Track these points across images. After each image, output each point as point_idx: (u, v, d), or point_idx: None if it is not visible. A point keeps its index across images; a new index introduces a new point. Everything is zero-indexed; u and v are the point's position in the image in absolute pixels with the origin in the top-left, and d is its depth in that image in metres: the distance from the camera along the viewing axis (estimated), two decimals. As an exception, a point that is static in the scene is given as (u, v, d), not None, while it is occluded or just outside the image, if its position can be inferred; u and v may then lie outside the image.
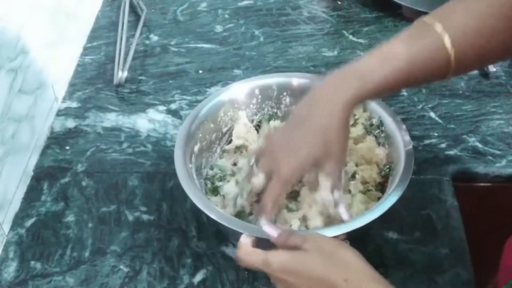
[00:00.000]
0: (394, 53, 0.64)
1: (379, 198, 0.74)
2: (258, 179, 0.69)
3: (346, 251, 0.56)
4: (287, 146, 0.66)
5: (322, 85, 0.66)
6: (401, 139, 0.74)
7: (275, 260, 0.57)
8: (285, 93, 0.85)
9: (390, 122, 0.77)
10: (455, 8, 0.65)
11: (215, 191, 0.78)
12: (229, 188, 0.76)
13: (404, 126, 0.75)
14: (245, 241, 0.62)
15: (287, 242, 0.59)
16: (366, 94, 0.64)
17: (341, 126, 0.64)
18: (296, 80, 0.85)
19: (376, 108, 0.79)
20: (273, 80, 0.85)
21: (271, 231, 0.61)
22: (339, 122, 0.64)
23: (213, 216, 0.67)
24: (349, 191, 0.74)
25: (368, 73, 0.64)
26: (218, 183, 0.79)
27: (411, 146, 0.73)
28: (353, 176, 0.76)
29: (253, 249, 0.61)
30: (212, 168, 0.81)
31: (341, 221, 0.68)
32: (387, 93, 0.67)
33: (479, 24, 0.63)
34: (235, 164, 0.81)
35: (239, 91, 0.84)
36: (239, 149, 0.82)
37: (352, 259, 0.56)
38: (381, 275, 0.55)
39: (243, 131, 0.83)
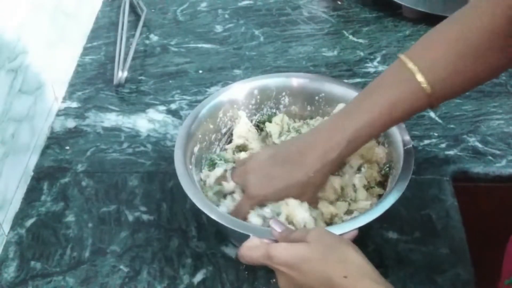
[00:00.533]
0: (374, 103, 0.67)
1: (380, 195, 0.74)
2: (229, 186, 0.75)
3: (348, 247, 0.57)
4: (267, 174, 0.71)
5: (314, 137, 0.70)
6: (401, 138, 0.74)
7: (276, 252, 0.57)
8: (284, 93, 0.85)
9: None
10: (430, 47, 0.66)
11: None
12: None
13: (403, 125, 0.75)
14: (254, 239, 0.63)
15: (289, 237, 0.60)
16: (353, 149, 0.70)
17: (323, 180, 0.71)
18: (295, 80, 0.85)
19: None
20: (272, 80, 0.85)
21: (275, 226, 0.62)
22: (321, 177, 0.70)
23: (213, 216, 0.67)
24: (354, 186, 0.74)
25: (353, 128, 0.67)
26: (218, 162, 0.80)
27: (411, 145, 0.73)
28: (358, 169, 0.77)
29: (255, 244, 0.61)
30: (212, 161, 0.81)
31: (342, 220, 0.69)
32: (373, 138, 0.73)
33: (454, 62, 0.64)
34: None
35: (239, 91, 0.84)
36: (239, 148, 0.82)
37: (353, 256, 0.56)
38: (380, 274, 0.55)
39: (243, 130, 0.83)
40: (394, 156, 0.74)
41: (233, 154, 0.82)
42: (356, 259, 0.55)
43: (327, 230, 0.60)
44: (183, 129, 0.77)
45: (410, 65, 0.65)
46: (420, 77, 0.64)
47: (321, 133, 0.70)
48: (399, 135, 0.75)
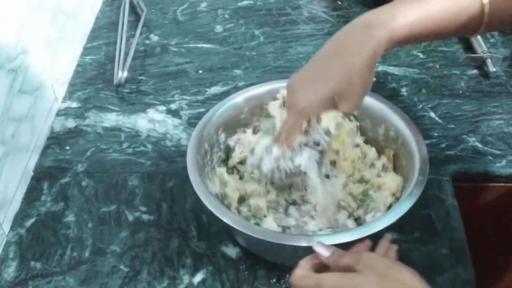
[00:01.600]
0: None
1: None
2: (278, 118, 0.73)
3: (401, 270, 0.55)
4: (308, 80, 0.67)
5: (354, 24, 0.66)
6: (416, 146, 0.74)
7: (328, 283, 0.56)
8: None
9: (404, 128, 0.77)
10: None
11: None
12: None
13: (421, 137, 0.75)
14: (304, 264, 0.60)
15: (339, 262, 0.58)
16: (397, 38, 0.64)
17: (367, 68, 0.64)
18: None
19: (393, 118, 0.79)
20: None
21: (322, 251, 0.60)
22: (365, 64, 0.64)
23: (226, 220, 0.67)
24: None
25: (401, 17, 0.64)
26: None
27: (426, 154, 0.73)
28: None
29: (308, 272, 0.59)
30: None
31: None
32: (417, 40, 0.67)
33: None
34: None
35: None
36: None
37: (408, 278, 0.54)
38: None
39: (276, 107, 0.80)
40: (410, 164, 0.74)
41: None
42: (412, 282, 0.54)
43: (378, 256, 0.58)
44: (196, 134, 0.77)
45: None
46: None
47: (365, 19, 0.66)
48: (415, 144, 0.75)
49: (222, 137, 0.80)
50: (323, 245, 0.61)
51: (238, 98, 0.82)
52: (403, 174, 0.76)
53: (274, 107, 0.77)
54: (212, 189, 0.74)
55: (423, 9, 0.64)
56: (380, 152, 0.80)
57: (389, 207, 0.74)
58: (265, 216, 0.73)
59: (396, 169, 0.79)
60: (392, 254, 0.62)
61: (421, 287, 0.53)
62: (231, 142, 0.80)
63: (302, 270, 0.59)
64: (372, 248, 0.62)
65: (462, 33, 0.68)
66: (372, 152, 0.80)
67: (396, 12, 0.64)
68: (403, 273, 0.54)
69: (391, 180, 0.76)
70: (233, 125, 0.81)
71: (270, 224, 0.72)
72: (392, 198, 0.75)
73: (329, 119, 0.74)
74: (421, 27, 0.64)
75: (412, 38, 0.66)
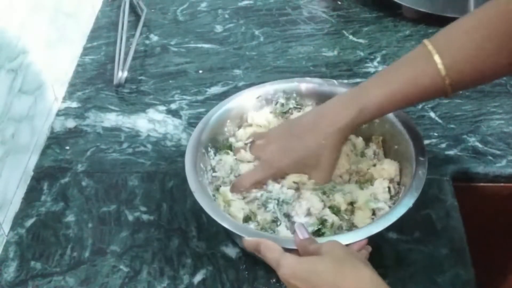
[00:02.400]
0: (390, 79, 0.70)
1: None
2: (245, 156, 0.78)
3: (358, 260, 0.56)
4: (284, 146, 0.75)
5: (327, 107, 0.74)
6: (413, 148, 0.75)
7: (285, 263, 0.57)
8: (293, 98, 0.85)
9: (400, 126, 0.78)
10: (451, 33, 0.68)
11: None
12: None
13: (421, 135, 0.76)
14: (252, 238, 0.63)
15: (308, 247, 0.60)
16: (364, 119, 0.72)
17: (335, 147, 0.73)
18: (304, 85, 0.85)
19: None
20: (280, 86, 0.85)
21: (300, 233, 0.62)
22: (333, 144, 0.73)
23: (225, 225, 0.67)
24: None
25: (370, 97, 0.70)
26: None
27: (425, 157, 0.73)
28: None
29: (274, 245, 0.60)
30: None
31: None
32: (388, 112, 0.75)
33: (474, 48, 0.66)
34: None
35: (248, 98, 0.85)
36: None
37: (363, 267, 0.55)
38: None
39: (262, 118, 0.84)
40: (407, 167, 0.75)
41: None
42: (367, 271, 0.55)
43: (340, 243, 0.59)
44: (193, 137, 0.78)
45: (430, 47, 0.67)
46: (437, 58, 0.66)
47: (334, 103, 0.74)
48: (412, 146, 0.75)
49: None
50: (303, 228, 0.63)
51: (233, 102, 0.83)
52: (397, 158, 0.78)
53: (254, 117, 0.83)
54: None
55: (386, 90, 0.69)
56: (367, 140, 0.81)
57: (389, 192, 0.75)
58: (278, 225, 0.72)
59: (387, 154, 0.80)
60: (365, 253, 0.64)
61: (374, 276, 0.55)
62: (213, 161, 0.79)
63: (270, 242, 0.61)
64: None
65: (429, 100, 0.76)
66: (359, 141, 0.81)
67: (364, 94, 0.71)
68: (359, 263, 0.56)
69: (389, 166, 0.77)
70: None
71: (285, 232, 0.71)
72: (391, 183, 0.76)
73: None
74: (389, 104, 0.70)
75: (382, 114, 0.73)
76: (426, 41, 0.68)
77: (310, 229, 0.70)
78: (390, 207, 0.73)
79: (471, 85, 0.75)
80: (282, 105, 0.84)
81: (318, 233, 0.70)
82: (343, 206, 0.73)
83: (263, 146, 0.77)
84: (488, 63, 0.66)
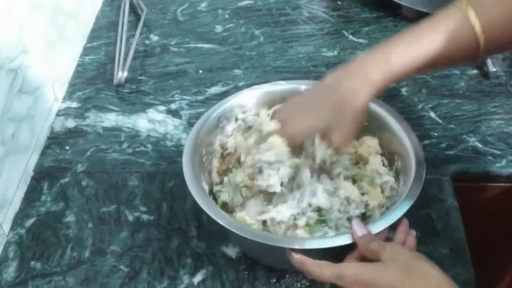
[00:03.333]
0: (423, 35, 0.66)
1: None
2: (269, 125, 0.74)
3: (424, 262, 0.56)
4: (301, 108, 0.71)
5: (354, 64, 0.69)
6: (412, 149, 0.74)
7: (350, 272, 0.57)
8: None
9: (396, 125, 0.78)
10: None
11: None
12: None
13: (416, 140, 0.76)
14: (299, 255, 0.62)
15: (368, 245, 0.59)
16: (393, 77, 0.67)
17: (361, 109, 0.68)
18: (304, 88, 0.85)
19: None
20: (280, 87, 0.84)
21: (357, 228, 0.62)
22: (359, 105, 0.67)
23: (221, 222, 0.67)
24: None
25: (397, 58, 0.66)
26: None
27: (422, 157, 0.73)
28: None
29: (321, 261, 0.60)
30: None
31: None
32: (414, 74, 0.70)
33: (509, 7, 0.64)
34: None
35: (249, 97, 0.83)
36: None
37: (431, 271, 0.55)
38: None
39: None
40: (406, 164, 0.75)
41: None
42: (435, 275, 0.54)
43: (402, 247, 0.59)
44: (191, 138, 0.77)
45: (463, 4, 0.65)
46: (472, 15, 0.64)
47: (363, 59, 0.69)
48: (411, 147, 0.75)
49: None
50: (360, 223, 0.62)
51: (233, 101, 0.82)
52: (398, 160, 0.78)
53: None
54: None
55: (418, 48, 0.66)
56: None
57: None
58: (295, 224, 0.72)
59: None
60: (412, 240, 0.64)
61: (443, 278, 0.54)
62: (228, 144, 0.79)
63: (314, 261, 0.60)
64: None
65: (460, 63, 0.71)
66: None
67: (391, 54, 0.67)
68: (426, 265, 0.55)
69: (371, 141, 0.78)
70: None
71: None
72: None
73: None
74: (416, 65, 0.67)
75: (408, 75, 0.68)
76: (460, 3, 0.65)
77: (357, 212, 0.71)
78: (393, 177, 0.75)
79: (501, 48, 0.71)
80: (243, 120, 0.82)
81: (364, 215, 0.72)
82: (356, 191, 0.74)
83: (285, 110, 0.73)
84: None
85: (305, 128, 0.70)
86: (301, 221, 0.70)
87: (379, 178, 0.76)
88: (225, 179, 0.77)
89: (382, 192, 0.75)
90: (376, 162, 0.77)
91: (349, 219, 0.72)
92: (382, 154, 0.79)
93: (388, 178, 0.76)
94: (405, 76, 0.68)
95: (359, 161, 0.78)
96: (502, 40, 0.66)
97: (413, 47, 0.66)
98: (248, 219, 0.71)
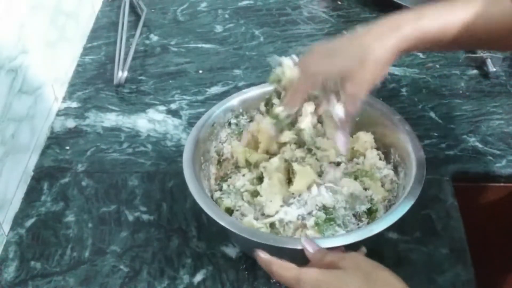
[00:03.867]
0: (457, 5, 0.66)
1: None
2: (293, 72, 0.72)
3: (388, 272, 0.55)
4: (326, 50, 0.68)
5: (385, 18, 0.67)
6: (412, 150, 0.75)
7: (308, 277, 0.55)
8: None
9: (389, 117, 0.79)
10: None
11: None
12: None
13: (418, 142, 0.76)
14: (266, 255, 0.61)
15: (323, 259, 0.59)
16: (422, 38, 0.65)
17: (385, 57, 0.65)
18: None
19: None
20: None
21: (308, 246, 0.61)
22: (384, 52, 0.65)
23: (223, 223, 0.67)
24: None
25: (429, 18, 0.65)
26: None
27: (423, 156, 0.73)
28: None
29: (288, 264, 0.59)
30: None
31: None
32: (443, 43, 0.67)
33: None
34: None
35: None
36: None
37: (390, 280, 0.55)
38: None
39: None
40: (407, 164, 0.75)
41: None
42: (394, 283, 0.54)
43: (363, 257, 0.59)
44: (192, 136, 0.77)
45: None
46: None
47: (395, 15, 0.67)
48: (411, 148, 0.75)
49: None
50: (310, 241, 0.61)
51: (234, 100, 0.82)
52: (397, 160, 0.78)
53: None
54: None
55: (450, 16, 0.65)
56: None
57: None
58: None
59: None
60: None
61: (402, 286, 0.54)
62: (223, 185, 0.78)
63: (282, 262, 0.59)
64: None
65: (494, 44, 0.69)
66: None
67: (423, 15, 0.65)
68: (389, 275, 0.55)
69: (367, 137, 0.79)
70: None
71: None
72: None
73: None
74: (445, 32, 0.65)
75: (436, 43, 0.66)
76: None
77: (363, 208, 0.72)
78: (392, 170, 0.76)
79: None
80: (236, 124, 0.82)
81: (370, 210, 0.73)
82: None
83: (306, 57, 0.70)
84: None
85: (328, 68, 0.68)
86: (310, 221, 0.70)
87: (379, 172, 0.76)
88: (224, 185, 0.77)
89: (383, 186, 0.76)
90: (373, 156, 0.78)
91: (355, 216, 0.73)
92: (377, 148, 0.80)
93: (387, 171, 0.77)
94: (433, 43, 0.67)
95: (355, 157, 0.79)
96: None
97: (445, 13, 0.65)
98: (255, 223, 0.71)
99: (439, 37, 0.65)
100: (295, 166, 0.74)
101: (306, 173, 0.74)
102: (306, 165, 0.75)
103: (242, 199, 0.75)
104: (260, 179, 0.75)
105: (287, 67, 0.73)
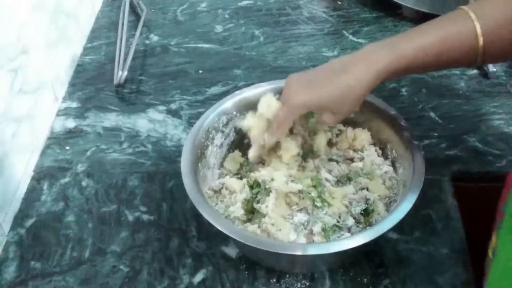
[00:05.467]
0: (428, 30, 0.69)
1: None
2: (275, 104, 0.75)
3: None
4: (307, 83, 0.72)
5: (360, 52, 0.71)
6: (409, 144, 0.75)
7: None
8: None
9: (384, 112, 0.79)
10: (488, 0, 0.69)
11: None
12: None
13: (417, 145, 0.76)
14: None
15: None
16: (397, 68, 0.69)
17: (361, 95, 0.70)
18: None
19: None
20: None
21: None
22: (361, 91, 0.69)
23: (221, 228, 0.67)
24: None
25: (402, 49, 0.68)
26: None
27: (422, 156, 0.74)
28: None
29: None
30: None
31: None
32: (417, 70, 0.71)
33: (509, 16, 0.66)
34: None
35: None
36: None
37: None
38: None
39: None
40: (406, 166, 0.75)
41: None
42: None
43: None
44: (190, 138, 0.77)
45: (466, 8, 0.68)
46: (474, 17, 0.67)
47: (369, 48, 0.70)
48: (408, 143, 0.76)
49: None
50: None
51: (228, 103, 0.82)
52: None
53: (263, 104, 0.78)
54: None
55: (422, 41, 0.68)
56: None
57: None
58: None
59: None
60: None
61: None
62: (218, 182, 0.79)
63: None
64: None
65: (460, 64, 0.73)
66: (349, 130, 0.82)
67: (396, 44, 0.69)
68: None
69: (364, 135, 0.80)
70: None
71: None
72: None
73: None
74: (421, 57, 0.68)
75: (412, 69, 0.70)
76: (464, 7, 0.68)
77: (358, 209, 0.73)
78: (391, 166, 0.77)
79: (500, 57, 0.74)
80: (228, 133, 0.83)
81: (366, 211, 0.74)
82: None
83: (287, 89, 0.73)
84: None
85: (308, 99, 0.71)
86: (317, 227, 0.71)
87: (379, 169, 0.77)
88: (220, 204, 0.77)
89: (383, 183, 0.76)
90: (372, 153, 0.79)
91: (354, 218, 0.73)
92: (373, 145, 0.80)
93: (387, 168, 0.77)
94: (407, 70, 0.70)
95: (353, 153, 0.80)
96: (500, 47, 0.68)
97: (417, 40, 0.68)
98: (259, 232, 0.71)
99: (413, 65, 0.69)
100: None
101: (291, 146, 0.76)
102: (292, 141, 0.76)
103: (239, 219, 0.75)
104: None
105: (272, 101, 0.76)
